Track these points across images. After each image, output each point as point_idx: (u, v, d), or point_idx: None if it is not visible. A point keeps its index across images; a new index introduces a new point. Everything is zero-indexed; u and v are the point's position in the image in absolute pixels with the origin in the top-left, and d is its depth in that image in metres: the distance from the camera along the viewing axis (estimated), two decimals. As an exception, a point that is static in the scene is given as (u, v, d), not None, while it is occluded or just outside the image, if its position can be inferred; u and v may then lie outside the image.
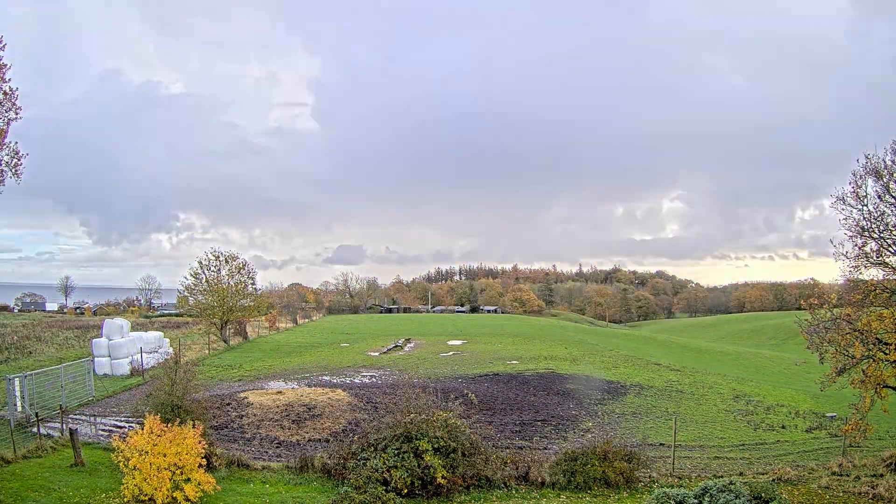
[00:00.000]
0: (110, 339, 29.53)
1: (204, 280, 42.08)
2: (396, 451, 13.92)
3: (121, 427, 18.75)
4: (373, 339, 45.08)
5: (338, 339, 45.69)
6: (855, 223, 17.06)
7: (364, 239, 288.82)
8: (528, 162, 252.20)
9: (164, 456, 12.15)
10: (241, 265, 43.67)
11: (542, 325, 67.09)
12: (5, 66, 15.27)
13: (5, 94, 15.41)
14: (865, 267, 17.24)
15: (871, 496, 13.69)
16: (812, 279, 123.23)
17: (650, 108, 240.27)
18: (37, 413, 18.32)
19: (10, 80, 15.46)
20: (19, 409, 19.28)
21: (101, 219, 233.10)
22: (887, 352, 16.62)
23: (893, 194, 16.56)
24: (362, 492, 12.78)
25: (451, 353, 37.35)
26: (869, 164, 16.79)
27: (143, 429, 12.61)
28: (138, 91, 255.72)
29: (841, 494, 13.97)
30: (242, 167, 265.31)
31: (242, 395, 22.53)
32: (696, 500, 11.77)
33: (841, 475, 15.17)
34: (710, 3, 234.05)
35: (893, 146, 16.65)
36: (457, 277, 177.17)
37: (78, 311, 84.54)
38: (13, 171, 15.75)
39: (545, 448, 17.74)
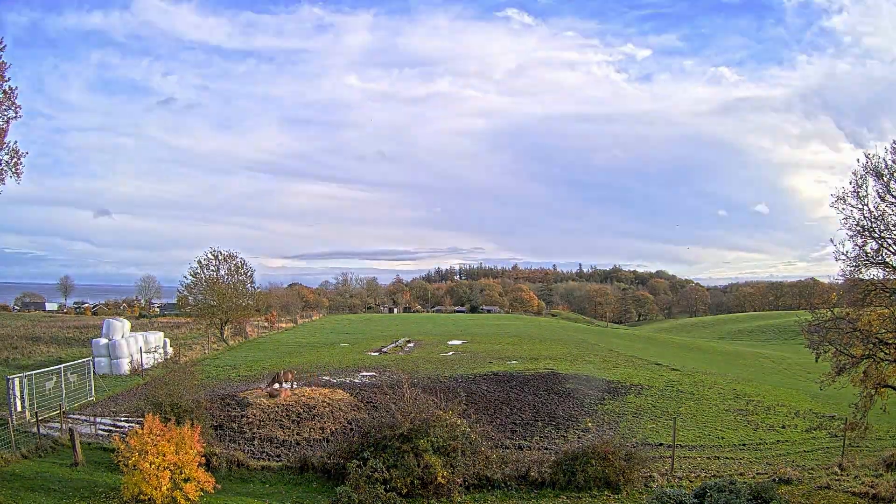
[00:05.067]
0: (110, 339, 29.51)
1: (203, 279, 42.06)
2: (396, 451, 13.90)
3: (121, 427, 18.72)
4: (373, 339, 45.06)
5: (338, 339, 45.66)
6: (855, 223, 17.04)
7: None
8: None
9: (164, 456, 12.14)
10: (239, 265, 43.66)
11: (542, 325, 67.10)
12: (5, 65, 15.28)
13: (5, 93, 15.43)
14: (865, 267, 17.22)
15: (870, 496, 13.67)
16: (812, 279, 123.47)
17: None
18: (37, 413, 18.31)
19: (9, 78, 15.47)
20: (19, 409, 19.25)
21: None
22: (887, 351, 16.61)
23: (894, 194, 16.54)
24: (362, 491, 12.77)
25: (451, 353, 37.33)
26: (869, 163, 16.77)
27: (142, 429, 12.60)
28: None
29: (841, 494, 13.95)
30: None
31: (242, 395, 22.50)
32: (695, 500, 11.77)
33: (841, 475, 15.16)
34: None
35: (893, 146, 16.64)
36: (457, 277, 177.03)
37: (78, 310, 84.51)
38: (13, 170, 15.76)
39: (545, 448, 17.73)
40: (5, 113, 15.49)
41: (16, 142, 15.92)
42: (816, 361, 18.17)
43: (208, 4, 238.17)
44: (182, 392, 16.90)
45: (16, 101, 15.68)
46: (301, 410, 20.57)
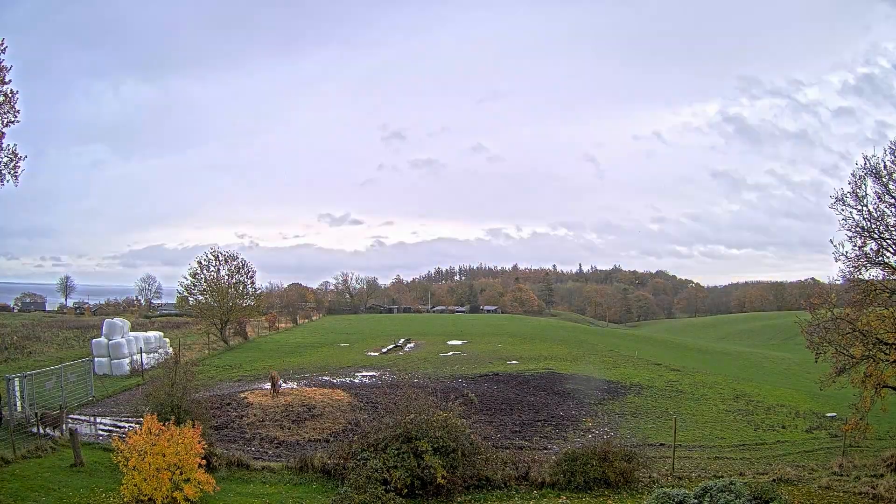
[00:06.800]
0: (110, 339, 29.50)
1: (203, 280, 42.03)
2: (396, 451, 13.90)
3: (120, 427, 18.74)
4: (373, 339, 45.04)
5: (337, 339, 45.63)
6: (855, 223, 17.05)
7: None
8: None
9: (164, 456, 12.12)
10: (240, 265, 43.63)
11: (542, 325, 67.04)
12: (6, 68, 15.26)
13: (5, 96, 15.39)
14: (865, 267, 17.24)
15: (871, 496, 13.69)
16: (812, 279, 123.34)
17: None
18: (37, 413, 18.30)
19: (9, 81, 15.46)
20: (19, 409, 19.24)
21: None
22: (887, 352, 16.62)
23: (893, 194, 16.55)
24: (362, 492, 12.76)
25: (451, 353, 37.34)
26: (868, 164, 16.80)
27: (142, 429, 12.59)
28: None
29: (841, 494, 13.97)
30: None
31: (242, 395, 22.51)
32: (696, 500, 11.77)
33: (841, 475, 15.17)
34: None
35: (893, 146, 16.66)
36: (457, 277, 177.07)
37: (78, 311, 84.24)
38: (11, 173, 15.75)
39: (545, 448, 17.73)
40: (5, 116, 15.44)
41: (15, 144, 15.91)
42: (816, 362, 18.19)
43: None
44: (182, 392, 16.87)
45: (15, 106, 15.62)
46: (301, 410, 20.58)
